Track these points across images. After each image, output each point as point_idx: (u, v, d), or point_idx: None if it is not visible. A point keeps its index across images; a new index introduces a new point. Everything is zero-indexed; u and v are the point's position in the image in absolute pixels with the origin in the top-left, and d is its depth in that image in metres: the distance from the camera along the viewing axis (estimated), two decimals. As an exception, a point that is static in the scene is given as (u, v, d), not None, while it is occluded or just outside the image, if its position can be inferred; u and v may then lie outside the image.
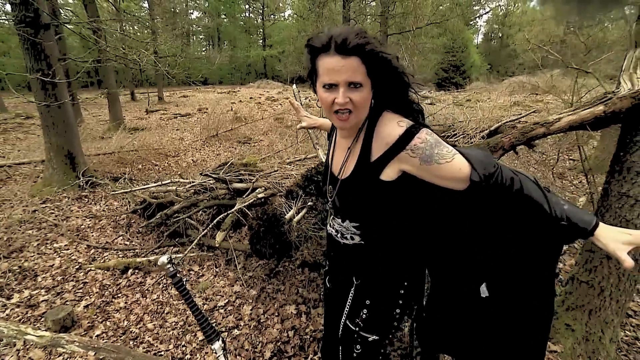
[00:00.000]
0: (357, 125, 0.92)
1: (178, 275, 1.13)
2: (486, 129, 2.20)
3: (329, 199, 1.03)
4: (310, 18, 13.39)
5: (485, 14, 41.89)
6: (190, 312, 1.23)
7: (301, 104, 2.61)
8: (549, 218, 0.79)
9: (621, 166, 1.59)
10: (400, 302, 1.02)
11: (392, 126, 0.85)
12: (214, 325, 1.14)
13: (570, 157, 5.38)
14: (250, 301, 2.34)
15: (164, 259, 1.12)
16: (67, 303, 2.28)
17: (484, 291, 0.94)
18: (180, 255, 2.57)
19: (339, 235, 1.03)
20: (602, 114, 1.55)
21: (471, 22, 39.13)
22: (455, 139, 2.21)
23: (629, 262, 0.73)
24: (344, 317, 1.06)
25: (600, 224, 0.78)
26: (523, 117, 2.41)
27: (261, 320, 2.17)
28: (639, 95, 1.42)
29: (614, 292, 1.71)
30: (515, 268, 0.92)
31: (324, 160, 1.18)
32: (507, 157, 4.54)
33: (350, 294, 1.04)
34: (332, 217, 1.07)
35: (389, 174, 0.87)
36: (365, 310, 1.02)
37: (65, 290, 2.44)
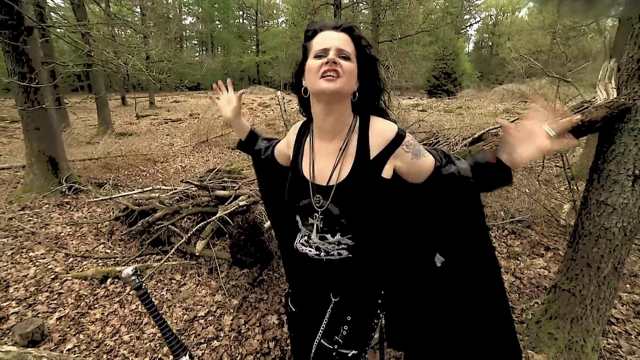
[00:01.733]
0: (342, 119, 0.90)
1: (143, 287, 1.08)
2: (469, 137, 2.20)
3: (318, 210, 0.92)
4: (303, 25, 13.50)
5: (475, 23, 42.87)
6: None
7: (285, 110, 2.61)
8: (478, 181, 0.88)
9: (599, 174, 1.60)
10: (379, 311, 1.03)
11: (388, 124, 0.91)
12: (181, 339, 1.09)
13: (557, 164, 5.45)
14: (232, 311, 2.28)
15: (128, 270, 1.07)
16: (39, 315, 2.19)
17: (439, 259, 1.00)
18: (157, 264, 2.50)
19: (321, 253, 0.96)
20: (580, 123, 1.56)
21: (462, 31, 39.97)
22: (439, 146, 2.21)
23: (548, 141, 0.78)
24: (318, 337, 1.00)
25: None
26: (506, 124, 2.42)
27: (242, 331, 2.11)
28: (614, 105, 1.43)
29: (595, 300, 1.71)
30: (458, 240, 1.00)
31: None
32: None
33: (328, 312, 1.00)
34: (313, 235, 0.96)
35: (388, 171, 0.90)
36: (345, 327, 0.98)
37: (38, 301, 2.34)
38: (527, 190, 3.75)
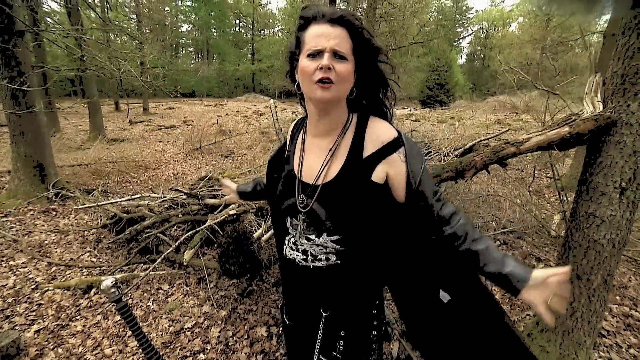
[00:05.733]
0: (337, 119, 0.87)
1: (123, 300, 1.04)
2: (460, 148, 2.21)
3: (301, 211, 0.89)
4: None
5: (468, 36, 43.99)
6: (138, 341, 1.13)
7: (277, 119, 2.60)
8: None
9: (587, 186, 1.61)
10: (375, 323, 0.98)
11: (388, 127, 0.86)
12: (162, 355, 1.05)
13: (548, 175, 5.52)
14: (220, 322, 2.22)
15: (107, 282, 1.02)
16: (16, 328, 2.10)
17: (444, 296, 0.92)
18: (144, 274, 2.43)
19: (309, 257, 0.92)
20: (568, 135, 1.57)
21: (455, 43, 40.93)
22: (430, 157, 2.22)
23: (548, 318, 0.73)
24: (316, 353, 0.95)
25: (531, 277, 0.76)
26: (497, 135, 2.45)
27: (229, 344, 2.05)
28: (600, 118, 1.45)
29: (585, 313, 1.70)
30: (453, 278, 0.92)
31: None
32: (483, 173, 4.62)
33: (320, 328, 0.95)
34: (297, 237, 0.93)
35: (379, 175, 0.83)
36: (341, 342, 0.94)
37: (16, 313, 2.25)
38: (519, 201, 3.78)
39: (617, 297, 2.42)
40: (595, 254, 1.59)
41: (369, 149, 0.84)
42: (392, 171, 0.83)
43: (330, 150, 0.87)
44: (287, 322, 1.08)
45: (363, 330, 0.97)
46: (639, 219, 3.07)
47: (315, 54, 0.77)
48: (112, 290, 1.06)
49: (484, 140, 2.37)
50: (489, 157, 1.77)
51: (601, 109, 1.51)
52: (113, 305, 1.08)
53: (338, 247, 0.89)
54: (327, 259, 0.90)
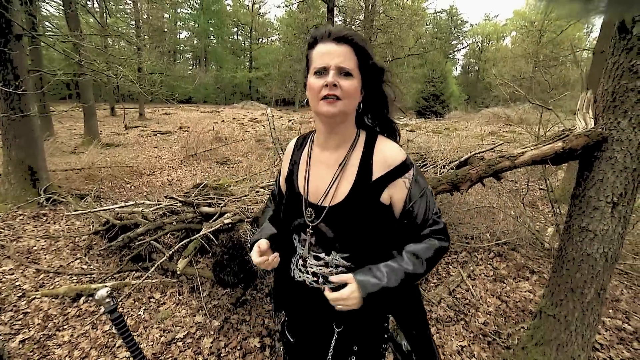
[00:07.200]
0: (345, 135, 0.87)
1: (118, 310, 1.02)
2: (456, 160, 2.24)
3: (309, 225, 0.89)
4: (296, 43, 13.84)
5: (462, 48, 44.92)
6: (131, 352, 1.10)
7: (274, 128, 2.62)
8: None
9: (580, 201, 1.63)
10: (386, 335, 0.99)
11: (395, 149, 0.86)
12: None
13: (541, 187, 5.58)
14: (212, 333, 2.18)
15: (102, 292, 1.00)
16: (0, 337, 2.03)
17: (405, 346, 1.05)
18: (135, 282, 2.39)
19: (320, 280, 0.92)
20: (562, 150, 1.60)
21: (450, 55, 41.75)
22: (426, 169, 2.23)
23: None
24: None
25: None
26: (492, 148, 2.48)
27: (221, 355, 2.01)
28: (592, 134, 1.48)
29: (580, 326, 1.70)
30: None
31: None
32: (478, 185, 4.65)
33: (332, 343, 0.94)
34: (305, 253, 0.93)
35: (385, 197, 0.84)
36: (353, 357, 0.95)
37: (1, 322, 2.18)
38: (512, 213, 3.81)
39: (610, 311, 2.44)
40: (588, 268, 1.61)
41: (377, 171, 0.84)
42: (396, 195, 0.85)
43: (340, 165, 0.87)
44: (291, 339, 1.06)
45: (375, 345, 0.97)
46: (630, 232, 3.11)
47: (321, 72, 0.80)
48: (107, 300, 1.04)
49: (479, 153, 2.39)
50: (485, 170, 1.80)
51: (593, 125, 1.54)
52: (107, 315, 1.06)
53: (348, 264, 0.89)
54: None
